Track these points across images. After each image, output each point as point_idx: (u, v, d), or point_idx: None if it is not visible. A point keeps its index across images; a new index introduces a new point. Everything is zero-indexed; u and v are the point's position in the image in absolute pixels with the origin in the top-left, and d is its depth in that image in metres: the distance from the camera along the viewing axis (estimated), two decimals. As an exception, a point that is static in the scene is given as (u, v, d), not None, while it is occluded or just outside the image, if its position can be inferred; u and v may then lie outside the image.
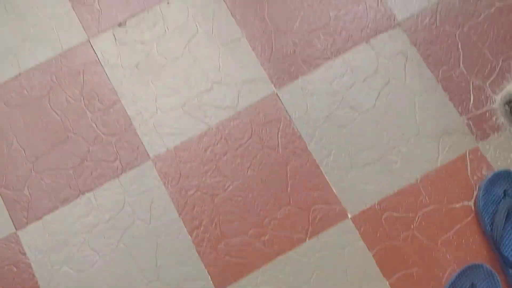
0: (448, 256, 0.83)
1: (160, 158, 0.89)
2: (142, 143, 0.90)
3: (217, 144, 0.90)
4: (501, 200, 0.81)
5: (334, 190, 0.86)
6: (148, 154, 0.89)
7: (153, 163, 0.89)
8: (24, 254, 0.86)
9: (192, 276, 0.84)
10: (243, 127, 0.90)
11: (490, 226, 0.81)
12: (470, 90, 0.89)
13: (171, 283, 0.84)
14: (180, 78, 0.92)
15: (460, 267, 0.81)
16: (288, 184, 0.87)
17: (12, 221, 0.88)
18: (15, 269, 0.85)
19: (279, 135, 0.90)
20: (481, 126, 0.87)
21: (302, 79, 0.91)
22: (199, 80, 0.92)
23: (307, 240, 0.85)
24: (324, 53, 0.92)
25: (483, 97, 0.88)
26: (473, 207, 0.84)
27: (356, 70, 0.91)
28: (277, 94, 0.92)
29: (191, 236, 0.86)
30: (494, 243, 0.79)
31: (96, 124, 0.90)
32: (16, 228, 0.87)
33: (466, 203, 0.85)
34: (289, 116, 0.90)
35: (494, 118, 0.88)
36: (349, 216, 0.86)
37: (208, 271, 0.84)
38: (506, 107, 0.83)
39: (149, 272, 0.85)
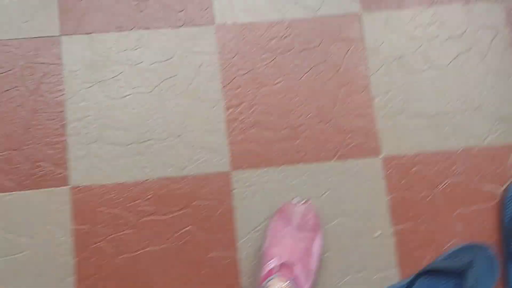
0: (458, 229, 0.83)
1: (225, 28, 0.87)
2: (212, 5, 0.88)
3: (284, 38, 0.88)
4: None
5: (376, 127, 0.85)
6: (214, 19, 0.87)
7: (216, 30, 0.87)
8: (60, 59, 0.84)
9: (213, 148, 0.83)
10: (315, 33, 0.88)
11: (509, 219, 0.81)
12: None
13: (191, 145, 0.82)
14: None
15: (465, 243, 0.81)
16: (335, 104, 0.86)
17: (60, 24, 0.85)
18: (46, 69, 0.85)
19: (346, 55, 0.88)
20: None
21: (389, 13, 0.89)
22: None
23: (333, 160, 0.84)
24: (420, -2, 0.90)
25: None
26: (499, 196, 0.84)
27: (444, 25, 0.90)
28: (360, 15, 0.90)
29: (226, 111, 0.84)
30: (505, 236, 0.79)
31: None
32: (61, 33, 0.85)
33: (494, 189, 0.84)
34: (363, 42, 0.89)
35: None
36: (382, 155, 0.85)
37: (229, 149, 0.83)
38: None
39: (173, 126, 0.83)
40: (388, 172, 0.85)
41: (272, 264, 0.74)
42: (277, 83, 0.87)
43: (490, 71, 0.89)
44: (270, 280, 0.72)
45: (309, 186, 0.83)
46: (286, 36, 0.89)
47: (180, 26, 0.87)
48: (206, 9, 0.88)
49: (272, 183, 0.83)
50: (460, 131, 0.87)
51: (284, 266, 0.74)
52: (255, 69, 0.87)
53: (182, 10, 0.88)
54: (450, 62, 0.89)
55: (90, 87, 0.84)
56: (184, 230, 0.80)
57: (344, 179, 0.84)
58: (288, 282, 0.71)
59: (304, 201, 0.81)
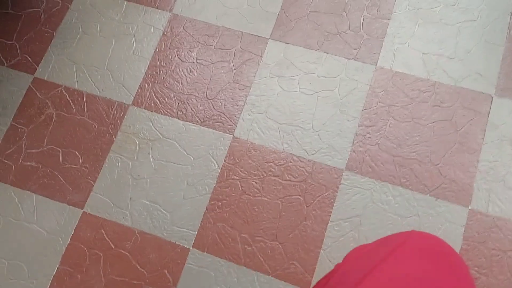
0: (515, 290, 1.02)
1: (382, 70, 1.24)
2: (380, 52, 1.24)
3: (424, 92, 1.20)
4: None
5: (474, 184, 1.10)
6: (377, 62, 1.23)
7: (375, 69, 1.23)
8: (261, 54, 1.28)
9: (338, 148, 1.16)
10: (451, 97, 1.19)
11: None
12: None
13: (322, 141, 1.17)
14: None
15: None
16: (445, 153, 1.13)
17: (272, 30, 1.29)
18: (248, 57, 1.27)
19: (469, 122, 1.16)
20: None
21: (518, 104, 1.15)
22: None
23: (427, 194, 1.11)
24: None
25: None
26: None
27: None
28: (492, 98, 1.18)
29: (358, 127, 1.18)
30: None
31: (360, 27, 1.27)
32: (270, 37, 1.29)
33: None
34: (487, 118, 1.16)
35: None
36: (469, 207, 1.09)
37: (349, 154, 1.16)
38: None
39: (316, 123, 1.19)
40: (470, 222, 1.09)
41: None
42: (406, 121, 1.19)
43: None
44: None
45: (399, 206, 1.12)
46: (426, 91, 1.21)
47: (350, 59, 1.26)
48: (373, 53, 1.26)
49: (370, 192, 1.13)
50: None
51: None
52: (392, 106, 1.20)
53: (356, 49, 1.26)
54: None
55: (273, 77, 1.26)
56: (294, 196, 1.15)
57: (431, 213, 1.10)
58: None
59: None
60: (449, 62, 1.21)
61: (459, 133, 1.14)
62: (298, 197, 1.13)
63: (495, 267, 1.03)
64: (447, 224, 1.07)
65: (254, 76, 1.24)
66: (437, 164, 1.12)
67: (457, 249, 1.05)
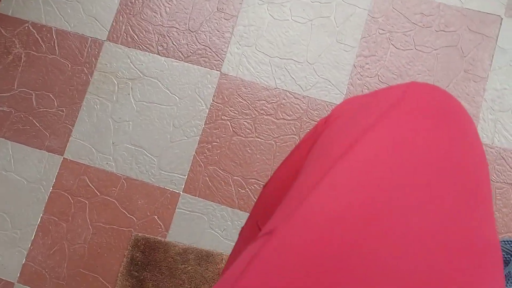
0: (519, 224, 0.98)
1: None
2: None
3: (428, 16, 1.09)
4: None
5: (480, 114, 1.03)
6: (376, -17, 1.11)
7: (374, -8, 1.11)
8: (249, -24, 1.14)
9: (335, 82, 1.08)
10: (456, 20, 1.09)
11: None
12: None
13: (319, 73, 1.08)
14: None
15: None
16: (450, 83, 1.05)
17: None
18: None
19: (476, 47, 1.07)
20: None
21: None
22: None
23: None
24: None
25: None
26: None
27: None
28: (501, 19, 1.07)
29: (356, 57, 1.08)
30: None
31: None
32: (257, -43, 1.15)
33: None
34: (495, 42, 1.06)
35: None
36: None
37: (347, 87, 1.08)
38: None
39: (311, 55, 1.09)
40: None
41: None
42: (407, 49, 1.09)
43: None
44: None
45: None
46: (430, 15, 1.10)
47: None
48: None
49: None
50: (555, 145, 1.02)
51: None
52: (393, 33, 1.10)
53: None
54: None
55: (262, 4, 1.14)
56: (288, 136, 1.08)
57: None
58: None
59: None
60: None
61: (464, 60, 1.06)
62: (293, 136, 1.06)
63: (499, 200, 0.99)
64: None
65: (241, 3, 1.13)
66: (441, 95, 1.04)
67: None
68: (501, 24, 1.07)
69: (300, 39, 1.11)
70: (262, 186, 1.04)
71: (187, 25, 1.13)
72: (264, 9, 1.13)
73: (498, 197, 0.99)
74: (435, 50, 1.08)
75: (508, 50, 1.06)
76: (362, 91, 1.07)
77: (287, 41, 1.11)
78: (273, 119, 1.07)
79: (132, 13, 1.14)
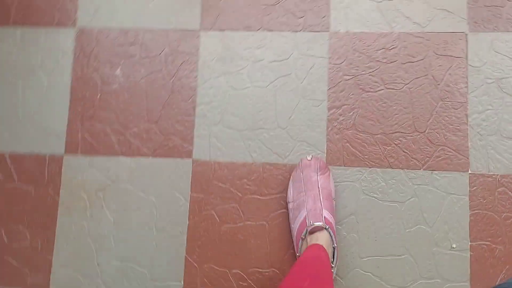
0: (535, 250, 0.94)
1: (337, 36, 1.04)
2: (329, 15, 1.05)
3: (391, 49, 1.03)
4: None
5: (469, 143, 0.98)
6: (329, 27, 1.04)
7: (329, 37, 1.04)
8: (197, 51, 1.07)
9: (313, 142, 1.02)
10: (420, 48, 1.02)
11: None
12: None
13: (294, 137, 1.02)
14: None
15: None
16: (431, 116, 0.99)
17: (201, 20, 1.08)
18: (186, 58, 1.07)
19: (447, 72, 1.01)
20: None
21: (496, 35, 1.00)
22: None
23: (421, 169, 0.98)
24: (532, 23, 1.00)
25: None
26: None
27: (553, 53, 0.98)
28: (467, 35, 1.02)
29: (328, 111, 1.02)
30: None
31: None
32: (200, 28, 1.08)
33: None
34: (466, 61, 1.01)
35: None
36: (469, 171, 0.97)
37: (327, 146, 1.01)
38: None
39: (282, 119, 1.03)
40: (473, 189, 0.98)
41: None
42: (379, 90, 1.03)
43: None
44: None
45: (395, 190, 1.00)
46: (392, 48, 1.04)
47: (299, 31, 1.06)
48: (323, 17, 1.07)
49: (360, 182, 1.00)
50: (552, 158, 0.97)
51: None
52: (360, 76, 1.04)
53: (302, 17, 1.07)
54: (554, 89, 0.98)
55: (218, 77, 1.07)
56: (279, 212, 1.01)
57: (429, 189, 0.99)
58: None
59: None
60: (410, 4, 1.03)
61: (439, 88, 1.00)
62: (284, 210, 1.01)
63: (510, 232, 0.93)
64: (450, 197, 1.00)
65: (196, 80, 1.05)
66: (424, 131, 0.99)
67: (465, 222, 0.95)
68: (467, 41, 1.01)
69: (266, 104, 1.04)
70: (263, 274, 0.97)
71: (146, 117, 1.06)
72: (222, 81, 1.06)
73: (508, 229, 0.94)
74: (406, 84, 1.02)
75: (481, 68, 1.00)
76: (342, 145, 1.01)
77: (253, 110, 1.04)
78: (259, 197, 1.01)
79: (84, 117, 1.06)
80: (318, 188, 0.93)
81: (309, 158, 0.96)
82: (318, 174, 0.95)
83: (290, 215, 0.95)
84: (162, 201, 1.03)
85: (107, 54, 1.10)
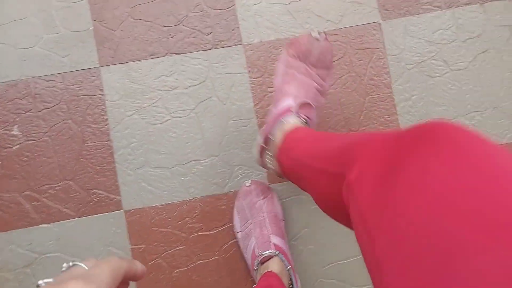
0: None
1: (252, 47, 0.98)
2: (238, 26, 0.98)
3: (309, 52, 0.98)
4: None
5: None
6: (241, 39, 0.97)
7: (244, 49, 0.98)
8: (102, 90, 0.96)
9: (251, 164, 0.96)
10: (338, 45, 0.99)
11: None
12: None
13: (229, 163, 0.95)
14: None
15: None
16: (362, 113, 0.97)
17: (98, 56, 0.96)
18: (90, 101, 0.96)
19: (369, 65, 0.99)
20: None
21: (408, 19, 0.99)
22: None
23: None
24: (437, 0, 0.99)
25: None
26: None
27: (461, 28, 0.99)
28: (380, 25, 0.99)
29: (259, 128, 0.96)
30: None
31: (200, -7, 0.97)
32: (100, 64, 0.96)
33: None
34: (385, 50, 0.99)
35: None
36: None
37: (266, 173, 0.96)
38: None
39: (212, 147, 0.96)
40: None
41: (287, 102, 0.76)
42: None
43: (509, 69, 0.99)
44: (287, 117, 0.73)
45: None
46: None
47: (210, 49, 0.98)
48: (233, 30, 0.99)
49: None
50: (481, 131, 0.98)
51: (301, 106, 0.76)
52: None
53: (210, 33, 0.99)
54: (469, 63, 1.00)
55: (132, 115, 0.96)
56: (230, 242, 0.95)
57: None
58: (304, 121, 0.75)
59: (323, 35, 0.77)
60: (319, 1, 0.99)
61: (364, 83, 0.98)
62: (235, 241, 0.94)
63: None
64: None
65: (108, 123, 0.94)
66: (358, 129, 0.97)
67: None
68: (381, 30, 0.99)
69: (191, 134, 0.96)
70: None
71: (60, 175, 0.93)
72: (137, 119, 0.96)
73: None
74: (331, 85, 0.98)
75: (399, 55, 0.99)
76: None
77: (179, 143, 0.96)
78: (206, 233, 0.94)
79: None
80: (263, 213, 0.88)
81: (247, 184, 0.90)
82: (261, 198, 0.89)
83: (241, 244, 0.90)
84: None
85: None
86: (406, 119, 0.98)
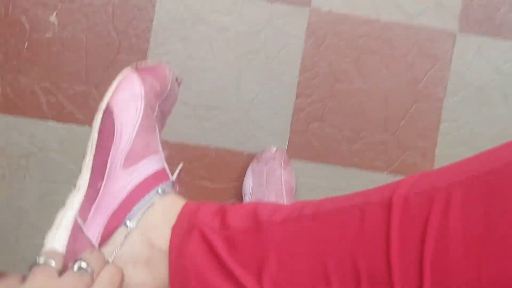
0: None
1: (318, 14, 0.91)
2: None
3: (373, 39, 0.92)
4: None
5: (436, 151, 0.93)
6: (311, 2, 0.91)
7: (309, 14, 0.91)
8: (154, 6, 0.89)
9: (274, 131, 0.92)
10: (405, 39, 0.93)
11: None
12: None
13: (255, 122, 0.91)
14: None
15: None
16: (404, 118, 0.94)
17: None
18: (137, 13, 0.90)
19: (429, 72, 0.93)
20: None
21: (485, 40, 0.92)
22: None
23: (385, 172, 0.92)
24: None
25: None
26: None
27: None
28: (455, 36, 0.93)
29: (296, 99, 0.91)
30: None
31: None
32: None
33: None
34: (450, 63, 0.93)
35: None
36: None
37: (289, 136, 0.91)
38: None
39: (243, 101, 0.91)
40: None
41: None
42: (354, 83, 0.93)
43: None
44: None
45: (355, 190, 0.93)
46: (375, 38, 0.93)
47: (276, 1, 0.92)
48: None
49: (320, 179, 0.92)
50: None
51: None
52: (336, 64, 0.93)
53: None
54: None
55: (175, 42, 0.91)
56: (227, 202, 0.92)
57: None
58: None
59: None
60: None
61: (418, 89, 0.92)
62: (235, 201, 0.92)
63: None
64: None
65: (148, 42, 0.90)
66: (395, 133, 0.92)
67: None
68: (454, 41, 0.93)
69: (227, 82, 0.92)
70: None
71: (84, 78, 0.89)
72: (179, 49, 0.91)
73: None
74: (384, 80, 0.93)
75: (463, 73, 0.93)
76: (306, 138, 0.92)
77: (213, 86, 0.92)
78: (209, 184, 0.91)
79: (7, 70, 0.89)
80: (281, 184, 0.85)
81: (273, 150, 0.86)
82: (282, 168, 0.86)
83: None
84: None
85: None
86: (446, 140, 0.93)
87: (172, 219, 0.39)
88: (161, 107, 0.45)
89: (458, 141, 0.94)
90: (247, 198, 0.88)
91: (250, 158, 0.92)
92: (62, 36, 0.90)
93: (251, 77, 0.92)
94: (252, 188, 0.88)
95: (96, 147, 0.41)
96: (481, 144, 0.94)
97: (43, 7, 0.89)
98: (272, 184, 0.86)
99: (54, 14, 0.90)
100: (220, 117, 0.92)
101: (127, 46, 0.91)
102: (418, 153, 0.93)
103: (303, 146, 0.92)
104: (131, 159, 0.40)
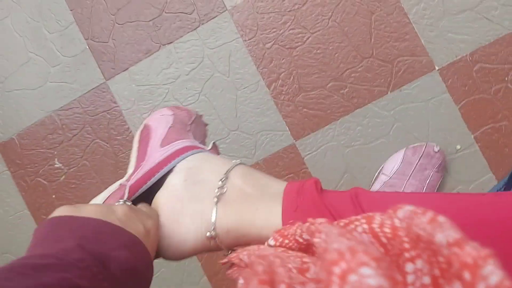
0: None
1: (237, 9, 0.93)
2: None
3: (296, -8, 0.91)
4: None
5: (422, 41, 0.87)
6: (224, 5, 0.94)
7: (230, 15, 0.94)
8: (115, 102, 0.99)
9: (271, 127, 0.92)
10: None
11: None
12: None
13: (250, 132, 0.93)
14: None
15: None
16: (372, 34, 0.89)
17: (102, 71, 1.00)
18: (108, 116, 1.00)
19: (363, -19, 0.89)
20: None
21: None
22: None
23: (389, 93, 0.89)
24: None
25: None
26: None
27: None
28: None
29: (269, 89, 0.93)
30: None
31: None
32: (105, 78, 0.99)
33: None
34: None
35: None
36: (436, 68, 0.87)
37: (286, 122, 0.92)
38: None
39: (229, 122, 0.94)
40: (448, 82, 0.88)
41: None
42: (306, 40, 0.93)
43: None
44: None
45: (374, 127, 0.90)
46: None
47: (198, 27, 0.97)
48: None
49: (337, 138, 0.92)
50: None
51: None
52: (280, 36, 0.94)
53: (194, 11, 0.97)
54: None
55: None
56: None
57: (407, 107, 0.90)
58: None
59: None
60: None
61: (365, 3, 0.89)
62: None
63: (506, 103, 0.84)
64: (430, 103, 0.91)
65: (130, 132, 0.98)
66: (372, 55, 0.89)
67: (458, 118, 0.86)
68: None
69: (207, 117, 0.96)
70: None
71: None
72: (154, 118, 0.98)
73: (503, 102, 0.84)
74: (330, 17, 0.91)
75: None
76: (300, 114, 0.92)
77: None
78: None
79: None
80: (425, 185, 0.85)
81: (436, 149, 0.87)
82: (434, 171, 0.86)
83: (377, 186, 0.87)
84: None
85: (36, 154, 1.04)
86: (424, 24, 0.88)
87: (216, 161, 0.44)
88: (191, 131, 0.52)
89: (436, 16, 0.89)
90: (383, 178, 0.89)
91: (266, 163, 0.95)
92: (71, 172, 1.03)
93: (222, 99, 0.97)
94: (394, 172, 0.88)
95: (139, 141, 0.50)
96: (458, 3, 0.87)
97: (45, 161, 1.04)
98: (416, 180, 0.86)
99: (56, 160, 1.04)
100: (220, 148, 0.97)
101: (118, 145, 1.02)
102: (407, 54, 0.89)
103: (302, 123, 0.94)
104: (167, 139, 0.47)
